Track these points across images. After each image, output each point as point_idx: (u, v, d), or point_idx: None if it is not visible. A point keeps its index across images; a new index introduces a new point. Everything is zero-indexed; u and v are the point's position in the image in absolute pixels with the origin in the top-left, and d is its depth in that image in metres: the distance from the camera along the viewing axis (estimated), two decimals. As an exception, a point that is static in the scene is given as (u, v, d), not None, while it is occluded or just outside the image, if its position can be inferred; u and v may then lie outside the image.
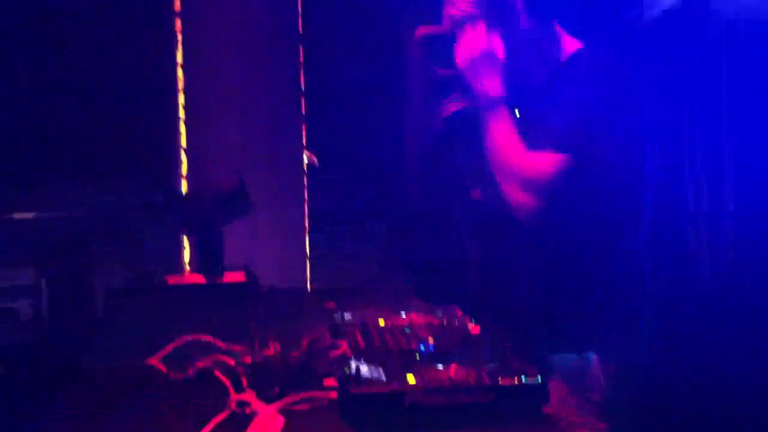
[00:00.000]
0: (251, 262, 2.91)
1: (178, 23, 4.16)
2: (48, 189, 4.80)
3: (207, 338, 1.84)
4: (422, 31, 1.86)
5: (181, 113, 4.20)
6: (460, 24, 1.75)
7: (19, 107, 5.59)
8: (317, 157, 4.46)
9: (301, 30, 4.33)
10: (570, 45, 1.81)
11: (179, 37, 4.15)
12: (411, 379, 1.34)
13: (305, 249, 4.43)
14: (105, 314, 2.31)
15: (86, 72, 4.97)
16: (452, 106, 1.99)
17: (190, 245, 2.57)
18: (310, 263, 4.49)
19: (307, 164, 4.43)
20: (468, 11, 1.73)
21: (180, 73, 4.18)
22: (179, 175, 4.20)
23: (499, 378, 1.35)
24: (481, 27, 1.74)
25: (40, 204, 5.14)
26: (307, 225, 4.43)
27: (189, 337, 1.84)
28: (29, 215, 5.78)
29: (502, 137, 1.75)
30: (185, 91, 4.18)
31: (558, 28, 1.81)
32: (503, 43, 1.74)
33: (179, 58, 4.17)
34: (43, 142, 4.69)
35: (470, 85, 1.78)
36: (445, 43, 1.82)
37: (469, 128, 1.99)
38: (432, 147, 2.11)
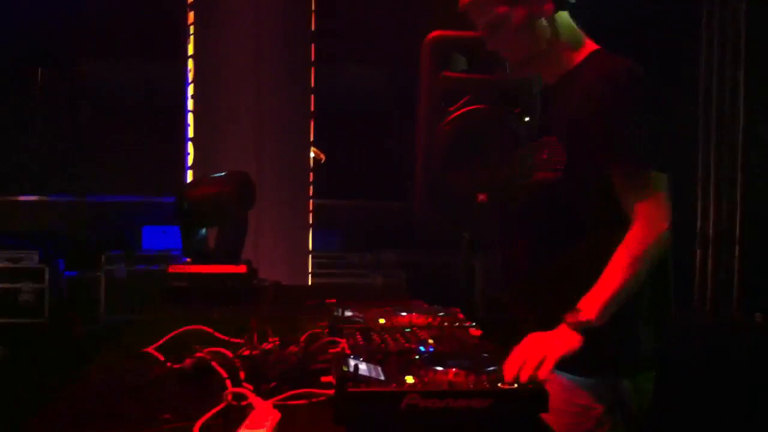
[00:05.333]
0: (254, 255, 2.91)
1: (191, 16, 4.16)
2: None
3: (207, 329, 1.84)
4: (435, 34, 1.85)
5: (190, 105, 4.19)
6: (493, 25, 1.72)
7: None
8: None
9: (313, 27, 4.33)
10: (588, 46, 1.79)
11: (191, 30, 4.15)
12: (409, 379, 1.33)
13: (308, 244, 4.42)
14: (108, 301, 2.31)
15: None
16: (461, 109, 1.99)
17: (189, 234, 2.56)
18: (312, 258, 4.49)
19: (314, 159, 4.42)
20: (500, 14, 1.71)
21: (191, 64, 4.18)
22: (185, 166, 4.20)
23: (498, 383, 1.34)
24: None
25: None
26: (311, 220, 4.43)
27: (188, 328, 1.84)
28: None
29: None
30: (195, 83, 4.18)
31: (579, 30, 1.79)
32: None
33: (190, 50, 4.17)
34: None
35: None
36: (459, 45, 1.81)
37: (476, 130, 1.99)
38: (440, 152, 2.09)
